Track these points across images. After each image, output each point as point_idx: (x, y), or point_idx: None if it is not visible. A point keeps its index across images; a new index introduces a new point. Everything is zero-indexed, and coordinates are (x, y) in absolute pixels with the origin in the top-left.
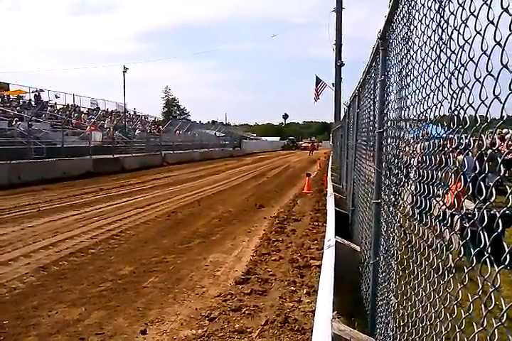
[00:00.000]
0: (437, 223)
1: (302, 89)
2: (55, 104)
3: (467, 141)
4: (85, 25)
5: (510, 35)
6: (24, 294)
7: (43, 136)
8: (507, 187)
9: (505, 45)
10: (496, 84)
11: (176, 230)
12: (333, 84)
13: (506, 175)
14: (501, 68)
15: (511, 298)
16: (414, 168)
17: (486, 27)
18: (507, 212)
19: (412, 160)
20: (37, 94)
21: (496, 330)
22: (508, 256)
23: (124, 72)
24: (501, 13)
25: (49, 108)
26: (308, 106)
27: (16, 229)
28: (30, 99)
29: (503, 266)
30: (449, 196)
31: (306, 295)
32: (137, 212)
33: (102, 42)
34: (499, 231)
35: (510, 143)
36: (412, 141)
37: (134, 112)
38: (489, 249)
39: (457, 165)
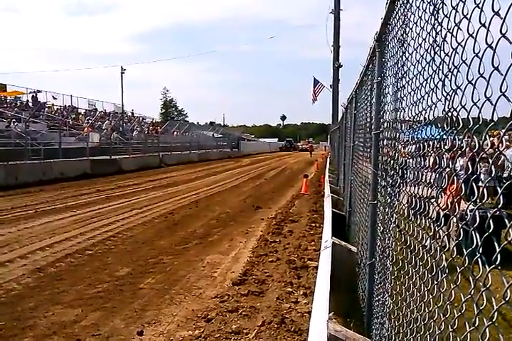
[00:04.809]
0: (432, 223)
1: (300, 91)
2: (53, 105)
3: (460, 142)
4: (83, 25)
5: (501, 38)
6: (20, 295)
7: (40, 137)
8: (498, 188)
9: (496, 47)
10: (487, 87)
11: (174, 231)
12: (330, 85)
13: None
14: (492, 70)
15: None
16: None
17: (478, 30)
18: (504, 212)
19: (409, 161)
20: (34, 95)
21: (487, 329)
22: (499, 256)
23: (122, 73)
24: (492, 16)
25: (46, 109)
26: (306, 108)
27: (13, 230)
28: (27, 100)
29: (493, 266)
30: (444, 197)
31: (303, 296)
32: (134, 213)
33: (99, 42)
34: (490, 231)
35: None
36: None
37: (132, 113)
38: (481, 249)
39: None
